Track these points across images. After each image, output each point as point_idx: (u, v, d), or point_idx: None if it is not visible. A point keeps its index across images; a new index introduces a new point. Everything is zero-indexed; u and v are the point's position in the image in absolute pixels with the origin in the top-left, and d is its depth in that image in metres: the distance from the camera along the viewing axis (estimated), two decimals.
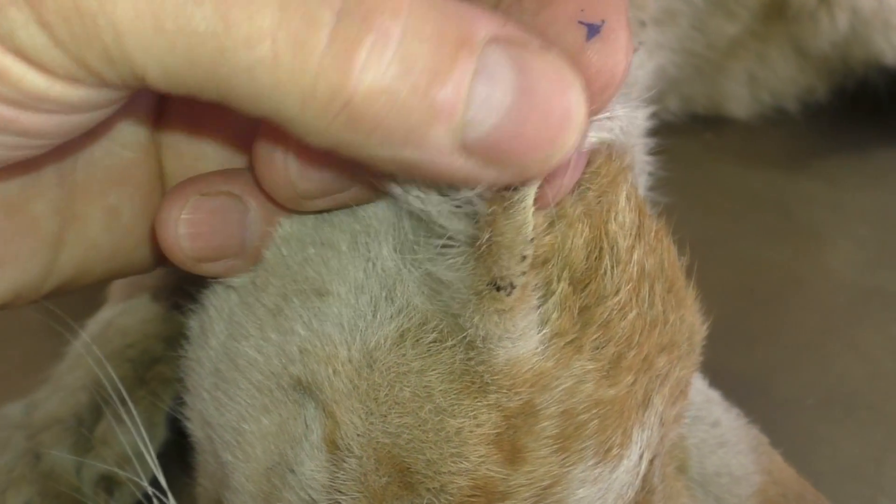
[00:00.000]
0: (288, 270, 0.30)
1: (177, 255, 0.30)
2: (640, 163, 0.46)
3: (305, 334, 0.29)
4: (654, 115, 0.48)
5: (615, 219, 0.30)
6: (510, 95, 0.22)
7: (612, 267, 0.29)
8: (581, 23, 0.24)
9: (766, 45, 0.77)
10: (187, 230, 0.30)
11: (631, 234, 0.30)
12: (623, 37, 0.24)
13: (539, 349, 0.28)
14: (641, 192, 0.36)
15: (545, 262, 0.28)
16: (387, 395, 0.28)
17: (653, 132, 0.48)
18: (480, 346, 0.27)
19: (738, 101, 0.81)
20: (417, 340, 0.28)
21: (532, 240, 0.26)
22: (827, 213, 0.71)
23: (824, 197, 0.73)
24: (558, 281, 0.28)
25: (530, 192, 0.25)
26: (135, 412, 0.39)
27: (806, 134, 0.81)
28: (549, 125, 0.23)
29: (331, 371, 0.28)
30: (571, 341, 0.28)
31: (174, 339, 0.36)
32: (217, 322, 0.32)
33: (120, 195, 0.31)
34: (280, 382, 0.30)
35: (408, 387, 0.28)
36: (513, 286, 0.26)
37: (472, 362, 0.28)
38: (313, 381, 0.29)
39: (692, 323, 0.33)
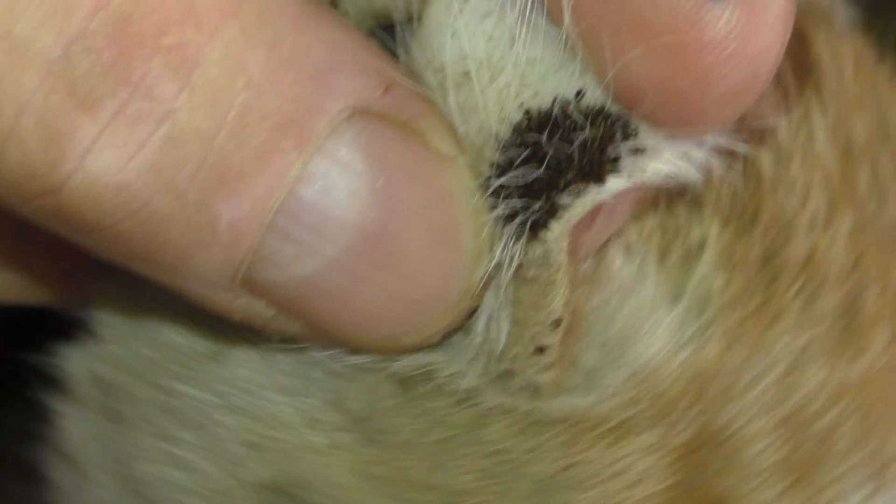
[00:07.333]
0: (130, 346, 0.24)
1: None
2: None
3: (236, 422, 0.22)
4: None
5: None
6: (349, 233, 0.17)
7: (788, 159, 0.21)
8: None
9: None
10: None
11: (791, 82, 0.21)
12: None
13: (684, 339, 0.20)
14: None
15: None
16: (426, 477, 0.21)
17: None
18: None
19: None
20: (439, 387, 0.20)
21: (558, 323, 0.19)
22: None
23: None
24: (702, 221, 0.21)
25: (559, 250, 0.18)
26: None
27: None
28: (409, 294, 0.18)
29: (318, 464, 0.22)
30: (758, 310, 0.21)
31: None
32: (89, 446, 0.25)
33: None
34: (234, 501, 0.23)
35: (462, 460, 0.20)
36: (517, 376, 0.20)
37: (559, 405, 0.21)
38: (298, 481, 0.22)
39: None
